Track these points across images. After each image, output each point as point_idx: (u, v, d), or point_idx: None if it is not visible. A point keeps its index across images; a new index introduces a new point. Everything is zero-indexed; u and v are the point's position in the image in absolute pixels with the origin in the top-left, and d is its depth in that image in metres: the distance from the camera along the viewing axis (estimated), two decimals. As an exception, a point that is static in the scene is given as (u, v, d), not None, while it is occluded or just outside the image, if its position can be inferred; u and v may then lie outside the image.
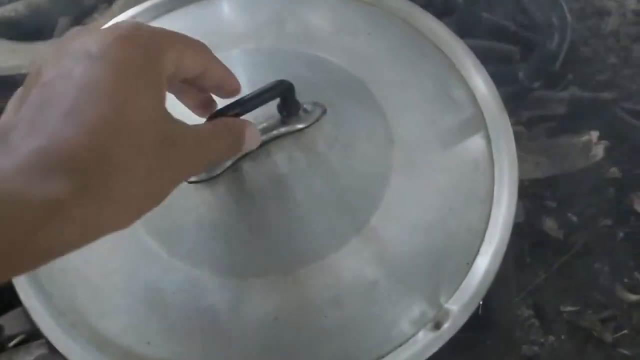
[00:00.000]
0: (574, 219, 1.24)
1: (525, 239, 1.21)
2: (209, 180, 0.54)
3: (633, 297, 1.14)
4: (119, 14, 0.70)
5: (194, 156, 0.40)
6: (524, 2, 1.49)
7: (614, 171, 1.30)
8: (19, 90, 0.36)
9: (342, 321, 0.50)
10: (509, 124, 0.61)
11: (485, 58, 1.32)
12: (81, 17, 1.08)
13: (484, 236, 0.55)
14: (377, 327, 0.50)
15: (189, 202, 0.54)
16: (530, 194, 1.26)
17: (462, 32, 1.30)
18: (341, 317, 0.50)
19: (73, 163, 0.30)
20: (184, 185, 0.54)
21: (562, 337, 1.10)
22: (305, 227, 0.53)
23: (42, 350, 0.98)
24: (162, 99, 0.37)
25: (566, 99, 1.25)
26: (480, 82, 0.63)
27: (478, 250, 0.54)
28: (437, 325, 0.48)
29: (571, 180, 1.29)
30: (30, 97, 0.33)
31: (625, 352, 1.08)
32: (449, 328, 0.49)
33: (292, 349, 0.50)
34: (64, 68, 0.33)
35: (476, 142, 0.60)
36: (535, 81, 1.33)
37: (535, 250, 1.19)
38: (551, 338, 1.09)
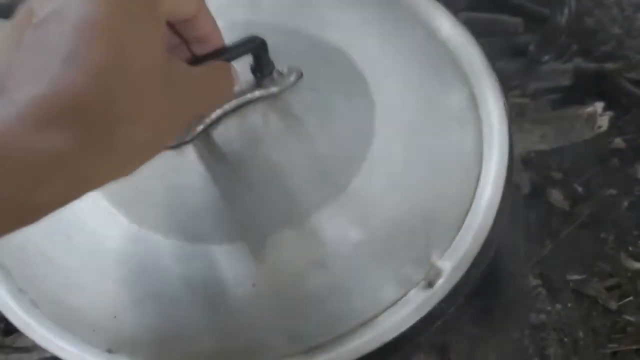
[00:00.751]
0: (579, 189, 1.26)
1: (531, 210, 1.23)
2: (178, 147, 0.52)
3: (638, 265, 1.17)
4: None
5: (196, 97, 0.38)
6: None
7: (618, 141, 1.31)
8: (7, 29, 0.32)
9: (326, 284, 0.47)
10: (495, 78, 0.59)
11: (488, 30, 1.32)
12: None
13: (474, 194, 0.53)
14: (365, 289, 0.47)
15: (157, 169, 0.51)
16: (535, 165, 1.27)
17: (466, 4, 1.31)
18: (326, 281, 0.47)
19: (77, 113, 0.29)
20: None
21: (569, 305, 1.12)
22: (282, 191, 0.50)
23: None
24: (163, 39, 0.34)
25: (571, 70, 1.26)
26: (461, 41, 0.61)
27: (469, 209, 0.52)
28: (430, 284, 0.46)
29: (576, 151, 1.30)
30: (24, 39, 0.30)
31: (630, 318, 1.11)
32: (442, 286, 0.47)
33: (272, 315, 0.48)
34: (58, 6, 0.30)
35: (461, 100, 0.57)
36: (542, 53, 1.34)
37: (542, 221, 1.21)
38: (558, 306, 1.12)
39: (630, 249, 1.19)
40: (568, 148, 1.29)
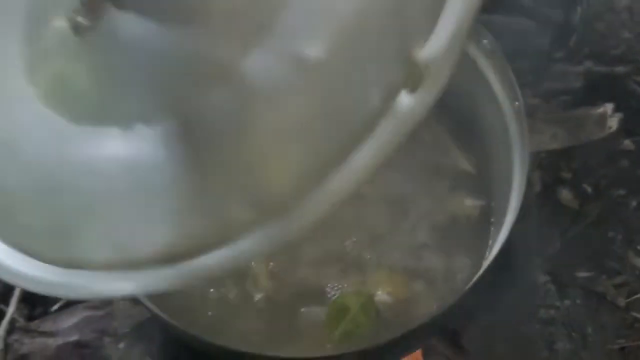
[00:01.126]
0: (589, 189, 1.28)
1: (542, 209, 1.25)
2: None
3: (645, 263, 1.19)
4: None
5: None
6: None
7: (628, 143, 1.34)
8: None
9: (281, 124, 0.37)
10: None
11: (501, 33, 1.35)
12: None
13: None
14: (335, 119, 0.37)
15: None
16: (545, 165, 1.30)
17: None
18: (277, 119, 0.37)
19: None
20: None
21: (577, 301, 1.15)
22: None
23: (88, 312, 1.04)
24: None
25: (582, 72, 1.29)
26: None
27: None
28: (414, 86, 0.36)
29: (586, 152, 1.33)
30: None
31: (638, 315, 1.13)
32: (431, 85, 0.36)
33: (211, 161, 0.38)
34: None
35: None
36: (553, 56, 1.37)
37: (552, 220, 1.24)
38: (567, 302, 1.14)
39: (638, 247, 1.21)
40: (578, 149, 1.32)
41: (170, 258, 0.37)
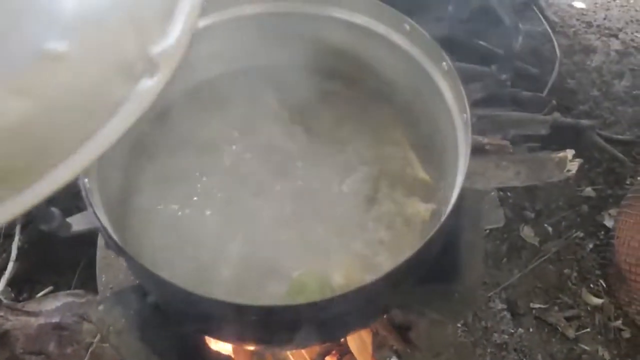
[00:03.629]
0: (550, 229, 1.38)
1: (504, 242, 1.34)
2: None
3: (596, 301, 1.27)
4: None
5: None
6: (519, 34, 1.65)
7: (589, 190, 1.44)
8: None
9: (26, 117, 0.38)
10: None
11: (476, 81, 1.47)
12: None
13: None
14: (86, 102, 0.40)
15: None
16: (511, 203, 1.40)
17: (457, 57, 1.46)
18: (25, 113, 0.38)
19: None
20: None
21: (530, 329, 1.22)
22: None
23: (70, 299, 1.10)
24: None
25: (549, 121, 1.40)
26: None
27: None
28: (151, 74, 0.42)
29: (549, 195, 1.43)
30: None
31: (586, 347, 1.20)
32: (164, 72, 0.42)
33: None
34: None
35: None
36: (523, 105, 1.49)
37: (512, 253, 1.33)
38: (520, 330, 1.22)
39: (592, 285, 1.30)
40: (542, 191, 1.42)
41: None
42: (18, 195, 0.40)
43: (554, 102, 1.45)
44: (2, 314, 1.07)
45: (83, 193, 0.61)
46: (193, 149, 0.78)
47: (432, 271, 0.75)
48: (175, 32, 0.45)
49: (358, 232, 0.74)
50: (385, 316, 0.80)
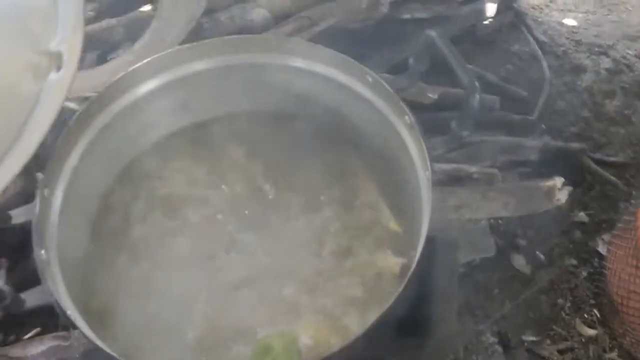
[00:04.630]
0: (542, 257, 1.35)
1: (495, 272, 1.32)
2: None
3: (591, 332, 1.24)
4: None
5: None
6: (508, 57, 1.63)
7: (582, 215, 1.41)
8: None
9: None
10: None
11: (464, 104, 1.44)
12: (105, 53, 1.22)
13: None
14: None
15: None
16: (502, 231, 1.37)
17: (448, 82, 1.44)
18: None
19: None
20: None
21: (523, 363, 1.20)
22: None
23: (56, 342, 1.09)
24: None
25: (539, 147, 1.37)
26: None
27: None
28: (58, 66, 0.47)
29: (541, 221, 1.40)
30: None
31: (580, 381, 1.18)
32: (69, 62, 0.47)
33: None
34: None
35: None
36: (513, 129, 1.46)
37: (504, 283, 1.30)
38: (512, 364, 1.19)
39: (586, 316, 1.27)
40: (534, 218, 1.39)
41: None
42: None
43: (543, 126, 1.43)
44: (-15, 362, 1.05)
45: (38, 266, 0.60)
46: (159, 206, 0.77)
47: (403, 325, 0.74)
48: (68, 23, 0.49)
49: (328, 289, 0.72)
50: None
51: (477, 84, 0.71)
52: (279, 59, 0.74)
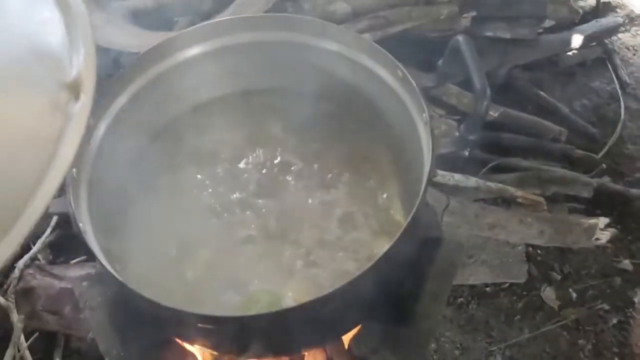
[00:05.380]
0: (574, 295, 1.32)
1: (521, 299, 1.31)
2: None
3: (607, 379, 1.22)
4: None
5: None
6: (586, 91, 1.60)
7: (626, 263, 1.37)
8: None
9: None
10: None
11: (528, 130, 1.44)
12: (196, 20, 1.32)
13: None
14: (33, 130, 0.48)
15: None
16: (538, 261, 1.36)
17: (514, 104, 1.44)
18: None
19: None
20: None
21: (527, 394, 1.19)
22: None
23: (93, 270, 1.21)
24: None
25: (594, 185, 1.35)
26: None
27: None
28: (77, 96, 0.49)
29: (582, 260, 1.37)
30: None
31: None
32: (86, 91, 0.49)
33: None
34: None
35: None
36: (573, 163, 1.44)
37: (527, 312, 1.29)
38: (517, 392, 1.19)
39: (605, 362, 1.24)
40: (574, 254, 1.37)
41: None
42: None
43: (603, 165, 1.40)
44: (31, 271, 1.19)
45: (66, 179, 0.68)
46: (190, 159, 0.85)
47: (390, 313, 0.78)
48: (81, 51, 0.51)
49: (323, 260, 0.77)
50: (346, 347, 0.82)
51: (488, 91, 0.73)
52: (322, 43, 0.80)
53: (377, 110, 0.82)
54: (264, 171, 0.84)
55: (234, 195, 0.82)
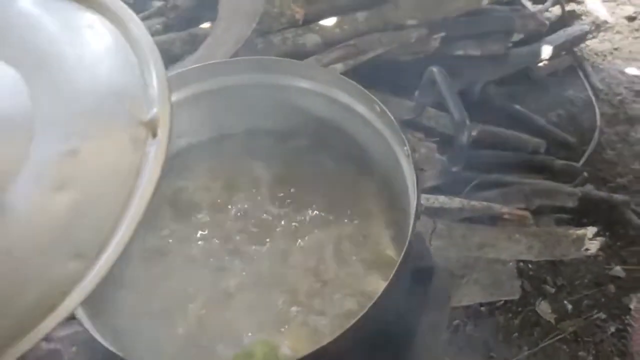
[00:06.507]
0: (569, 306, 1.32)
1: (517, 316, 1.30)
2: None
3: (611, 390, 1.20)
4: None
5: None
6: (561, 101, 1.61)
7: (618, 270, 1.37)
8: None
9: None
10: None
11: (507, 145, 1.44)
12: (166, 64, 1.31)
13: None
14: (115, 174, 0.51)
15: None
16: (530, 275, 1.35)
17: (491, 120, 1.45)
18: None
19: None
20: None
21: (532, 413, 1.17)
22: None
23: (79, 327, 1.17)
24: None
25: (578, 194, 1.35)
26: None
27: None
28: (153, 134, 0.52)
29: (574, 270, 1.37)
30: None
31: None
32: (163, 129, 0.52)
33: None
34: None
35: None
36: (555, 174, 1.44)
37: (525, 328, 1.28)
38: (521, 412, 1.17)
39: (607, 373, 1.23)
40: (566, 266, 1.36)
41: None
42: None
43: (585, 174, 1.40)
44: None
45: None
46: (172, 209, 0.83)
47: (390, 351, 0.76)
48: (158, 95, 0.54)
49: (315, 304, 0.76)
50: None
51: (467, 121, 0.73)
52: (295, 81, 0.79)
53: (358, 145, 0.82)
54: (247, 216, 0.82)
55: (219, 244, 0.80)
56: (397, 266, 0.62)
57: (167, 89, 0.54)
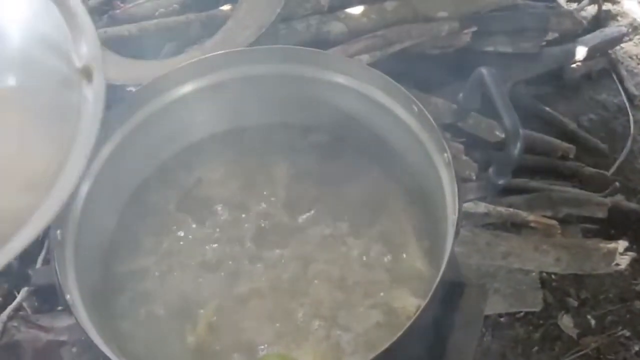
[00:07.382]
0: (592, 321, 1.26)
1: (538, 329, 1.24)
2: None
3: (634, 412, 1.15)
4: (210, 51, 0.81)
5: None
6: (593, 105, 1.54)
7: (646, 286, 1.31)
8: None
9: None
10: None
11: (534, 149, 1.37)
12: (183, 45, 1.25)
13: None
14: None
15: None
16: (553, 287, 1.29)
17: (520, 121, 1.38)
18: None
19: None
20: None
21: None
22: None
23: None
24: None
25: (608, 205, 1.29)
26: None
27: None
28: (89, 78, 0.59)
29: (599, 284, 1.30)
30: None
31: None
32: (97, 73, 0.58)
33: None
34: None
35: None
36: (584, 182, 1.38)
37: (545, 343, 1.22)
38: None
39: (630, 394, 1.17)
40: (591, 279, 1.30)
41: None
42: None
43: (617, 184, 1.33)
44: (15, 324, 1.10)
45: (50, 244, 0.61)
46: (189, 207, 0.77)
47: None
48: (87, 43, 0.60)
49: (341, 317, 0.70)
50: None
51: (520, 131, 0.67)
52: (324, 74, 0.73)
53: (389, 147, 0.76)
54: (266, 217, 0.76)
55: (236, 246, 0.75)
56: (434, 286, 0.57)
57: (98, 45, 0.61)
